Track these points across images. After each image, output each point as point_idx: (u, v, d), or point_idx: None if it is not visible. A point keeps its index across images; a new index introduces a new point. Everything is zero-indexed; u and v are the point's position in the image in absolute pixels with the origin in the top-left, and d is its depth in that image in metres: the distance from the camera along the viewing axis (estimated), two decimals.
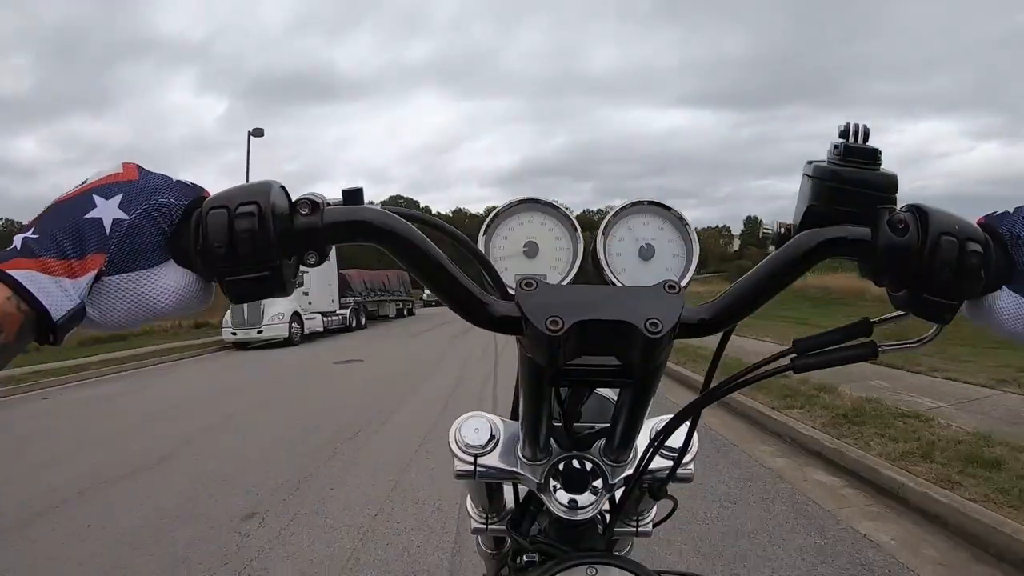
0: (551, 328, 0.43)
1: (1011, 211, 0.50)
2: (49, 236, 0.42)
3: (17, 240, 0.42)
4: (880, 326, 0.56)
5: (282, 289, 0.47)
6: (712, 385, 0.61)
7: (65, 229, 0.42)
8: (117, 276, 0.44)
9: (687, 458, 0.67)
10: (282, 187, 0.48)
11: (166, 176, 0.47)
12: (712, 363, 0.63)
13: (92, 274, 0.42)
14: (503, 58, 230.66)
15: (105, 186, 0.45)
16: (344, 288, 21.97)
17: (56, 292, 0.41)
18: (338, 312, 20.54)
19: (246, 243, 0.44)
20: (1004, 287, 0.49)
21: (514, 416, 0.72)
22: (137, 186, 0.45)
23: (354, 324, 21.51)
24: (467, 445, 0.68)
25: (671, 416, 0.64)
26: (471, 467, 0.68)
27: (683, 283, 0.53)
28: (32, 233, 0.42)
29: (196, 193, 0.47)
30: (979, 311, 0.51)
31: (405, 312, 30.40)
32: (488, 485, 0.78)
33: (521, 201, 0.58)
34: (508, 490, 0.83)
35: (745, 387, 0.58)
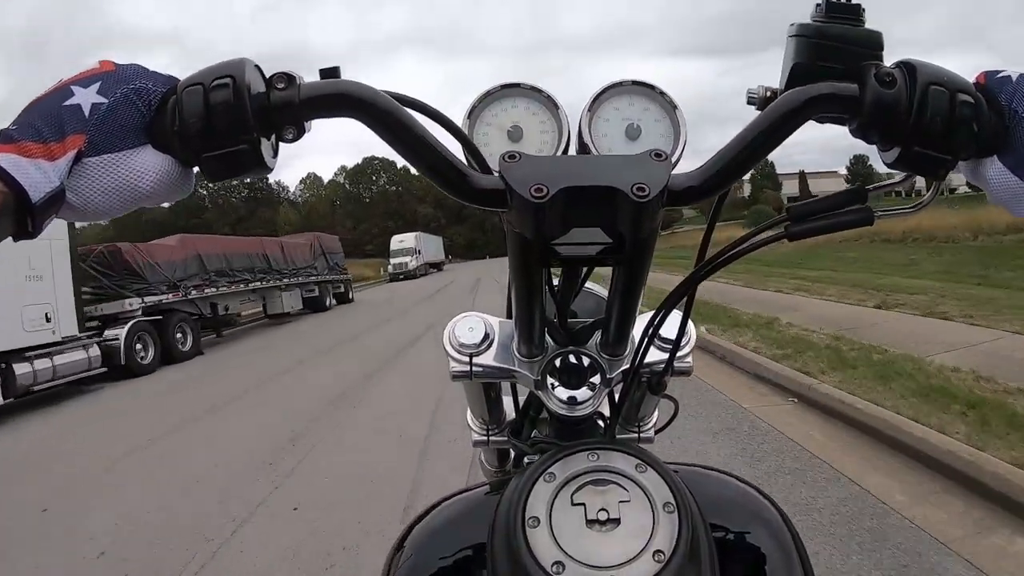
0: (536, 195, 0.43)
1: (1014, 78, 0.48)
2: (27, 124, 0.42)
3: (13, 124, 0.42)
4: (875, 192, 0.55)
5: (261, 165, 0.47)
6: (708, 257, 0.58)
7: (44, 116, 0.42)
8: (96, 157, 0.44)
9: (684, 350, 0.66)
10: (256, 65, 0.47)
11: (142, 66, 0.47)
12: (705, 235, 0.61)
13: (71, 154, 0.42)
14: (482, 18, 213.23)
15: (83, 79, 0.45)
16: (124, 276, 9.97)
17: (34, 173, 0.40)
18: (74, 340, 8.41)
19: (222, 116, 0.44)
20: (995, 156, 0.48)
21: (509, 315, 0.70)
22: (114, 75, 0.45)
23: (148, 356, 9.59)
24: (462, 344, 0.67)
25: (660, 304, 0.62)
26: (467, 367, 0.66)
27: (672, 159, 0.50)
28: (11, 126, 0.42)
29: (172, 81, 0.47)
30: (975, 174, 0.50)
31: (329, 302, 18.06)
32: (487, 396, 0.77)
33: (504, 86, 0.57)
34: (508, 402, 0.83)
35: (740, 257, 0.57)
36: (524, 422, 0.78)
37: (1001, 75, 0.48)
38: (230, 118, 0.44)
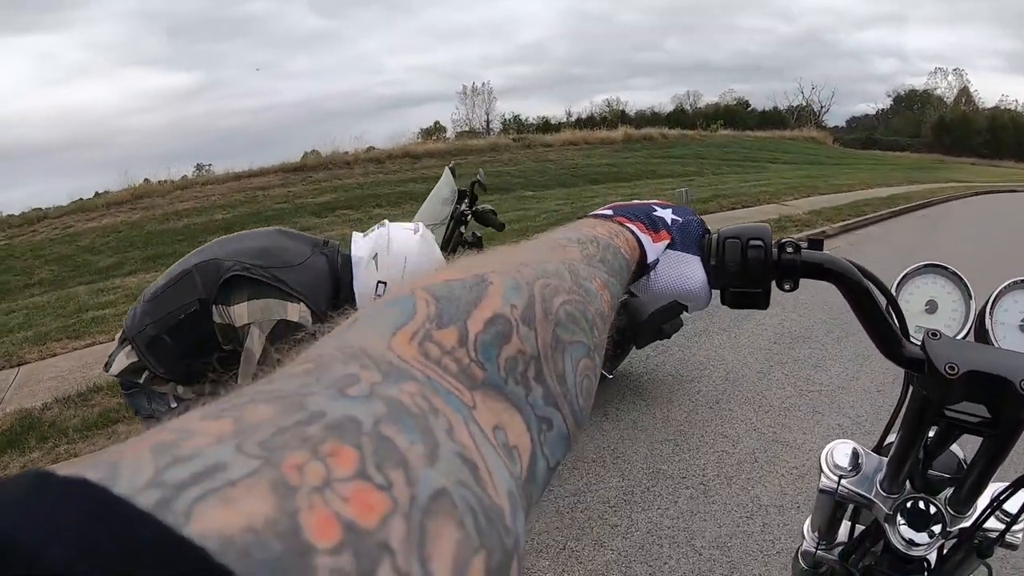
0: (948, 372, 0.55)
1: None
2: (633, 215, 0.56)
3: (607, 210, 0.57)
4: None
5: (766, 304, 0.61)
6: None
7: (643, 215, 0.57)
8: (674, 252, 0.59)
9: (1019, 525, 0.71)
10: (765, 226, 0.61)
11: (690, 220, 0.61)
12: None
13: (665, 243, 0.57)
14: None
15: (660, 205, 0.60)
16: None
17: (650, 245, 0.55)
18: None
19: (753, 267, 0.59)
20: None
21: (875, 449, 0.82)
22: (677, 210, 0.61)
23: None
24: (836, 465, 0.78)
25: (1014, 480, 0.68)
26: (835, 486, 0.77)
27: None
28: (620, 212, 0.56)
29: (704, 225, 0.62)
30: None
31: None
32: (833, 513, 0.84)
33: (927, 265, 0.71)
34: (843, 526, 0.90)
35: None
36: (859, 548, 0.83)
37: None
38: (758, 270, 0.59)
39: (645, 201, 0.61)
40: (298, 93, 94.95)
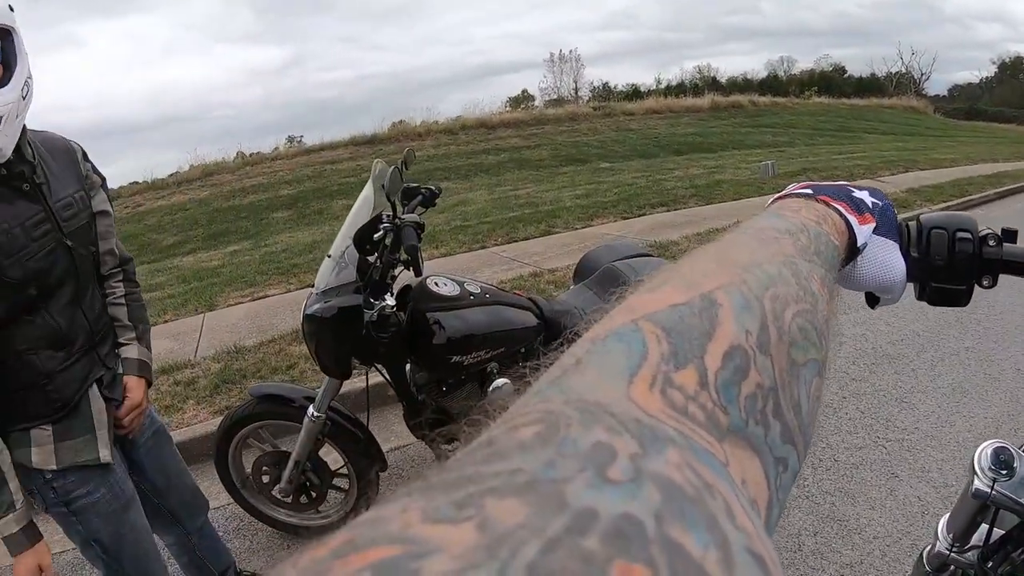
0: None
1: None
2: (835, 194, 0.51)
3: (805, 188, 0.53)
4: None
5: (967, 301, 0.58)
6: None
7: (844, 195, 0.52)
8: (879, 237, 0.54)
9: None
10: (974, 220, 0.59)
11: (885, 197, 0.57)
12: None
13: (871, 226, 0.52)
14: None
15: (855, 187, 0.55)
16: None
17: (858, 227, 0.51)
18: None
19: (961, 262, 0.56)
20: None
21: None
22: (876, 191, 0.56)
23: None
24: (990, 468, 0.74)
25: None
26: (989, 490, 0.74)
27: None
28: (813, 190, 0.52)
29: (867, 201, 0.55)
30: None
31: None
32: (974, 516, 0.82)
33: None
34: (981, 529, 0.88)
35: None
36: (1000, 553, 0.81)
37: None
38: (965, 265, 0.56)
39: (847, 184, 0.56)
40: (388, 64, 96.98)
